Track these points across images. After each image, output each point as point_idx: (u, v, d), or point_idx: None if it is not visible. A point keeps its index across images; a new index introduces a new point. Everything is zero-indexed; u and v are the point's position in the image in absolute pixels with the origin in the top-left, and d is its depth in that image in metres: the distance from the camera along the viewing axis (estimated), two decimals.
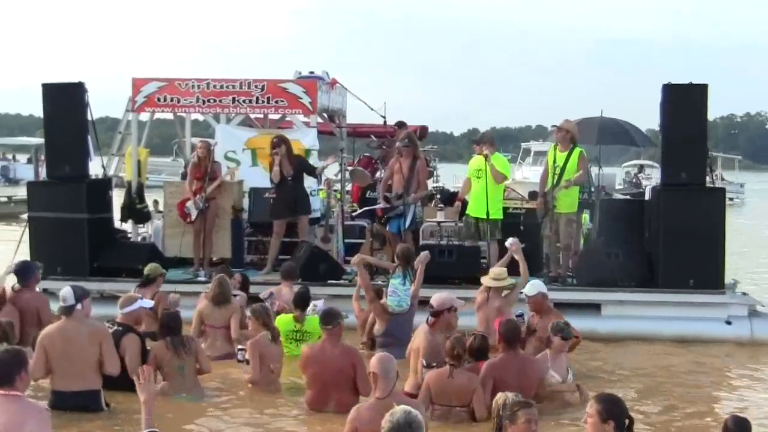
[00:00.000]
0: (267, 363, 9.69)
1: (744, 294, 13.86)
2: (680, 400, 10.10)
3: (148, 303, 10.22)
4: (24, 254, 13.81)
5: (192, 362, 9.43)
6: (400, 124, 16.92)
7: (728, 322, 13.11)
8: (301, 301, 11.28)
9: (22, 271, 11.61)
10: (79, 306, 8.19)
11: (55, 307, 9.50)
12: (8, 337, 8.49)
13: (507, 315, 10.30)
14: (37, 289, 11.43)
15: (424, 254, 11.66)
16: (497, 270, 11.28)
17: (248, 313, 10.39)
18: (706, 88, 13.32)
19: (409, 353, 9.56)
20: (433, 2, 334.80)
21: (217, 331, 11.08)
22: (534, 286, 10.55)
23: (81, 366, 8.09)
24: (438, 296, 9.73)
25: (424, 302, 12.39)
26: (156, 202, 17.25)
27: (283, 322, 11.26)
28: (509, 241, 11.63)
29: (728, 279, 13.60)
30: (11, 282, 11.42)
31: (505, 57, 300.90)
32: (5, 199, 36.31)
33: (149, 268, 11.80)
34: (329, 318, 9.11)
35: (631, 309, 13.32)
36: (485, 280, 11.17)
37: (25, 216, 15.33)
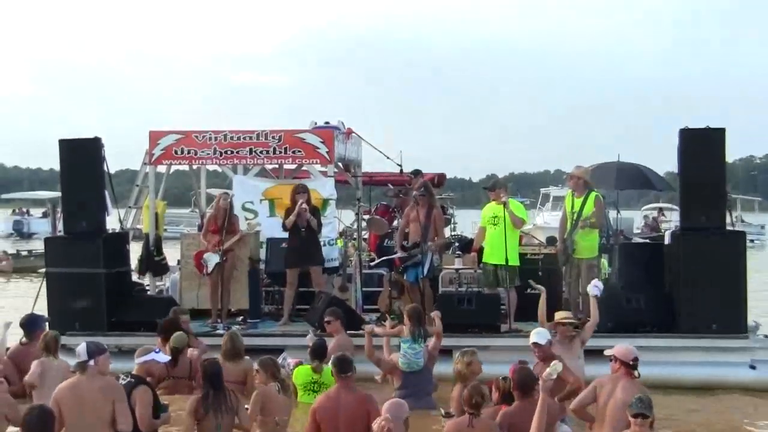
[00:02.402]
0: (273, 415, 9.55)
1: (767, 337, 13.72)
2: None
3: (164, 357, 10.16)
4: (41, 309, 13.80)
5: (231, 420, 9.29)
6: (416, 173, 16.92)
7: (752, 367, 12.96)
8: (319, 353, 11.21)
9: (28, 324, 11.65)
10: (91, 362, 8.14)
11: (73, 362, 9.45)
12: None
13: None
14: None
15: (436, 313, 11.78)
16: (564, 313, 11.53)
17: (255, 365, 10.31)
18: (724, 132, 13.29)
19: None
20: (448, 51, 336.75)
21: (231, 386, 10.91)
22: (543, 335, 10.42)
23: (93, 423, 8.02)
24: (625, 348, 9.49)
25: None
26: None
27: (302, 373, 11.24)
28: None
29: (750, 322, 13.47)
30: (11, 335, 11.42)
31: (523, 102, 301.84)
32: (25, 253, 36.50)
33: (174, 341, 11.41)
34: (344, 365, 9.05)
35: (652, 355, 13.13)
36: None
37: (41, 270, 15.35)
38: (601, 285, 11.96)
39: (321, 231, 14.58)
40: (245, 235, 14.64)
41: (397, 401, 7.50)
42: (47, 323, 12.03)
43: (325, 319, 12.36)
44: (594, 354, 12.60)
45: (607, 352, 9.32)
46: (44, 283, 14.50)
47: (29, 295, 16.91)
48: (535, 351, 10.27)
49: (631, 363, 9.09)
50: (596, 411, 8.91)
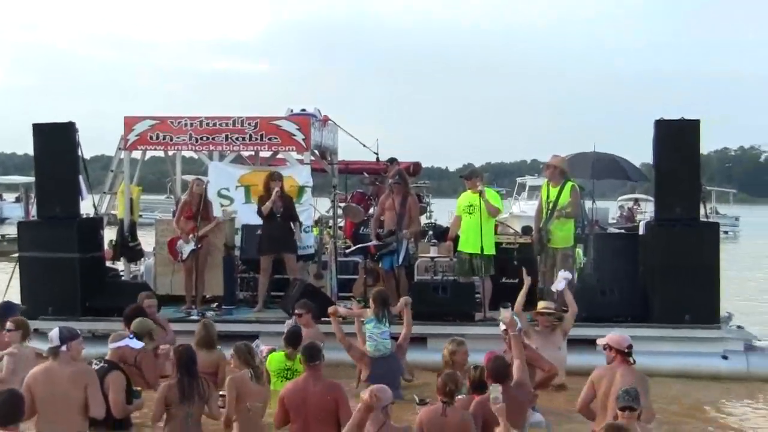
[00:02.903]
0: (245, 401, 9.51)
1: (739, 327, 13.81)
2: None
3: (137, 343, 10.09)
4: (14, 294, 13.71)
5: (201, 408, 9.24)
6: (392, 161, 16.90)
7: (725, 357, 13.04)
8: (293, 339, 11.18)
9: (5, 312, 11.54)
10: (64, 348, 8.08)
11: (44, 347, 9.38)
12: None
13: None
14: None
15: (405, 299, 11.77)
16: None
17: (230, 351, 10.26)
18: (698, 123, 13.35)
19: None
20: (426, 38, 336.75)
21: (202, 375, 10.81)
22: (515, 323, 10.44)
23: (65, 409, 7.97)
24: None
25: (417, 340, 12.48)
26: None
27: (275, 359, 11.23)
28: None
29: (723, 312, 13.55)
30: None
31: (499, 92, 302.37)
32: None
33: (135, 326, 10.80)
34: (313, 354, 9.02)
35: None
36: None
37: (14, 255, 15.24)
38: (569, 275, 12.01)
39: (297, 221, 14.54)
40: (220, 222, 14.59)
41: (381, 387, 7.50)
42: (22, 312, 11.89)
43: (296, 312, 12.27)
44: (577, 343, 12.75)
45: (600, 341, 9.33)
46: (17, 267, 14.41)
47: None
48: (506, 338, 10.29)
49: (625, 350, 9.09)
50: (598, 403, 8.89)
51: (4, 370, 9.73)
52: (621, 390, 7.92)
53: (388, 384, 10.72)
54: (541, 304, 11.91)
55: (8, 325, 10.34)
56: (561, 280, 11.90)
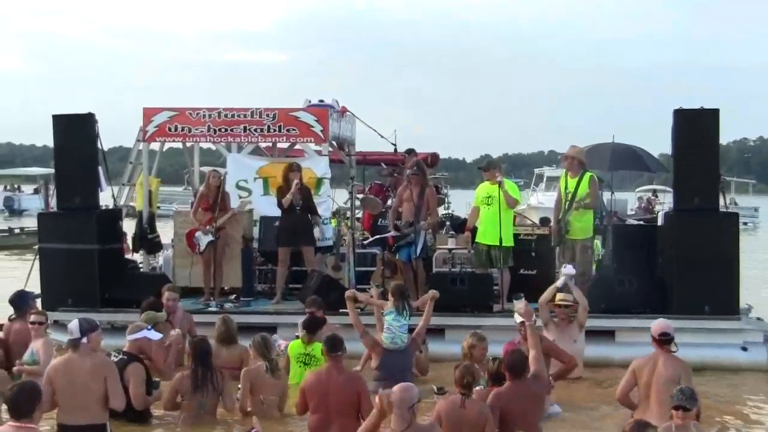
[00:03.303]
0: (260, 394, 9.54)
1: (759, 319, 13.75)
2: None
3: (155, 335, 10.14)
4: (34, 285, 13.77)
5: (216, 400, 9.28)
6: (410, 152, 16.87)
7: (744, 348, 12.99)
8: (311, 325, 11.20)
9: (18, 300, 11.62)
10: (84, 340, 8.11)
11: (64, 338, 9.44)
12: None
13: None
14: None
15: (433, 293, 11.67)
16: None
17: (249, 343, 10.30)
18: (718, 112, 13.25)
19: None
20: (445, 31, 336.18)
21: (226, 371, 10.83)
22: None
23: (86, 400, 8.01)
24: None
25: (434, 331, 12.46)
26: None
27: (295, 346, 11.27)
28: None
29: (742, 304, 13.49)
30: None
31: (516, 83, 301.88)
32: (17, 230, 36.41)
33: (144, 318, 10.96)
34: (335, 345, 9.04)
35: (645, 336, 13.07)
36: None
37: (36, 247, 15.31)
38: (571, 271, 11.87)
39: (316, 214, 14.56)
40: (237, 213, 14.60)
41: (408, 385, 7.46)
42: (37, 299, 11.98)
43: (307, 310, 12.17)
44: (596, 334, 12.73)
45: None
46: (37, 258, 14.48)
47: (14, 276, 16.87)
48: (521, 330, 10.29)
49: (658, 338, 9.02)
50: (639, 393, 8.84)
51: (42, 362, 9.76)
52: (676, 389, 7.67)
53: (398, 378, 10.82)
54: (559, 296, 11.88)
55: (33, 317, 10.42)
56: (561, 276, 11.84)
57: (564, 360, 10.76)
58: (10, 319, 11.43)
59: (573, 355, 10.98)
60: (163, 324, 10.87)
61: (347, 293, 11.78)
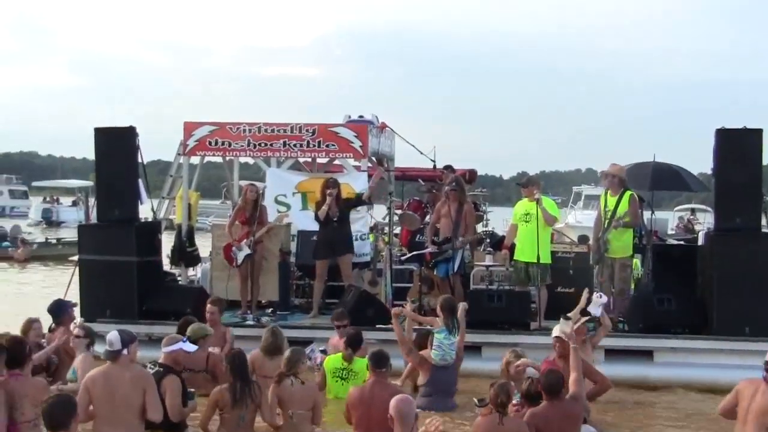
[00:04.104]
0: (288, 408, 9.52)
1: None
2: None
3: (191, 347, 10.17)
4: (73, 296, 13.87)
5: (254, 411, 9.30)
6: (448, 168, 16.86)
7: None
8: (354, 342, 11.19)
9: (56, 309, 11.71)
10: (125, 351, 8.14)
11: (100, 349, 9.48)
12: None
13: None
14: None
15: (463, 306, 11.60)
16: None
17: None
18: (761, 133, 13.11)
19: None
20: (483, 45, 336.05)
21: (270, 381, 10.83)
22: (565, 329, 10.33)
23: (124, 412, 8.04)
24: None
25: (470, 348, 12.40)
26: None
27: (333, 360, 11.26)
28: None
29: None
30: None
31: (556, 100, 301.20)
32: (54, 241, 36.73)
33: (191, 331, 10.96)
34: (381, 361, 9.03)
35: (684, 356, 13.07)
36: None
37: (72, 258, 15.43)
38: (605, 300, 11.52)
39: (368, 199, 14.72)
40: (273, 226, 14.64)
41: (405, 397, 7.46)
42: (74, 308, 12.06)
43: (336, 323, 12.17)
44: (634, 354, 12.63)
45: None
46: (76, 270, 14.58)
47: (47, 285, 16.98)
48: (556, 345, 10.22)
49: (765, 365, 8.73)
50: (738, 415, 8.73)
51: (79, 378, 9.78)
52: None
53: (445, 393, 10.82)
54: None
55: (77, 331, 10.47)
56: (597, 306, 11.38)
57: (596, 380, 10.67)
58: (50, 330, 11.52)
59: (605, 376, 10.84)
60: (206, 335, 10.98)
61: (395, 310, 11.68)
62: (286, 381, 9.58)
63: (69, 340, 10.56)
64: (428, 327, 11.83)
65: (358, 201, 14.59)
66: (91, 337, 10.22)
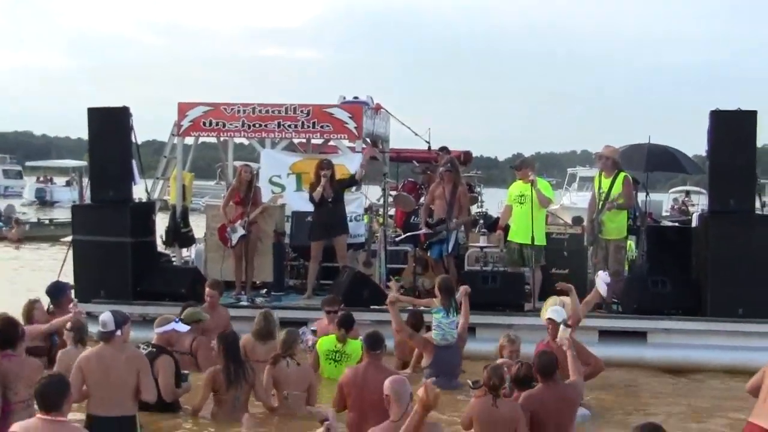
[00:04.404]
0: (282, 390, 9.52)
1: None
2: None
3: (183, 327, 10.18)
4: (67, 277, 13.86)
5: (248, 392, 9.31)
6: (443, 149, 16.84)
7: None
8: (346, 323, 11.19)
9: (54, 291, 11.70)
10: (118, 332, 8.14)
11: (94, 330, 9.46)
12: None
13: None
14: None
15: (465, 288, 11.56)
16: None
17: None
18: (755, 114, 13.11)
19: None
20: (478, 30, 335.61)
21: (262, 365, 10.81)
22: (559, 312, 10.29)
23: (118, 392, 8.03)
24: None
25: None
26: None
27: (326, 341, 11.29)
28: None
29: None
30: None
31: (550, 82, 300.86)
32: (47, 221, 36.59)
33: (186, 314, 11.09)
34: (376, 342, 9.02)
35: (677, 338, 13.10)
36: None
37: (65, 239, 15.41)
38: (607, 279, 11.53)
39: (360, 180, 14.75)
40: (268, 207, 14.62)
41: (400, 378, 7.44)
42: (72, 290, 12.05)
43: (327, 309, 12.12)
44: (627, 335, 12.66)
45: None
46: (70, 250, 14.56)
47: (41, 266, 16.97)
48: (549, 327, 10.23)
49: None
50: (761, 391, 8.74)
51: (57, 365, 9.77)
52: None
53: (449, 373, 10.83)
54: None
55: (68, 325, 10.43)
56: (603, 284, 11.22)
57: (590, 362, 10.67)
58: (49, 312, 11.49)
59: (599, 358, 10.84)
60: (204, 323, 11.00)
61: (391, 298, 11.61)
62: (282, 362, 9.60)
63: (77, 313, 10.60)
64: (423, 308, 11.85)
65: (351, 181, 14.58)
66: (79, 335, 10.09)
